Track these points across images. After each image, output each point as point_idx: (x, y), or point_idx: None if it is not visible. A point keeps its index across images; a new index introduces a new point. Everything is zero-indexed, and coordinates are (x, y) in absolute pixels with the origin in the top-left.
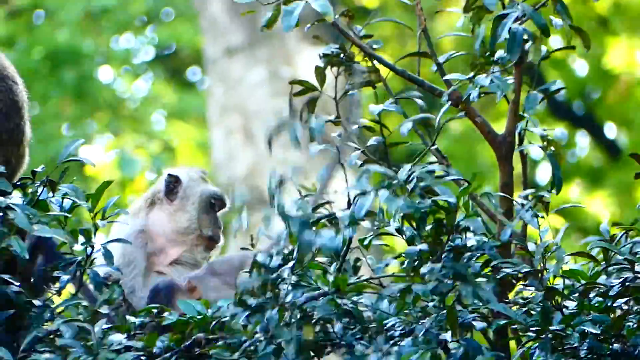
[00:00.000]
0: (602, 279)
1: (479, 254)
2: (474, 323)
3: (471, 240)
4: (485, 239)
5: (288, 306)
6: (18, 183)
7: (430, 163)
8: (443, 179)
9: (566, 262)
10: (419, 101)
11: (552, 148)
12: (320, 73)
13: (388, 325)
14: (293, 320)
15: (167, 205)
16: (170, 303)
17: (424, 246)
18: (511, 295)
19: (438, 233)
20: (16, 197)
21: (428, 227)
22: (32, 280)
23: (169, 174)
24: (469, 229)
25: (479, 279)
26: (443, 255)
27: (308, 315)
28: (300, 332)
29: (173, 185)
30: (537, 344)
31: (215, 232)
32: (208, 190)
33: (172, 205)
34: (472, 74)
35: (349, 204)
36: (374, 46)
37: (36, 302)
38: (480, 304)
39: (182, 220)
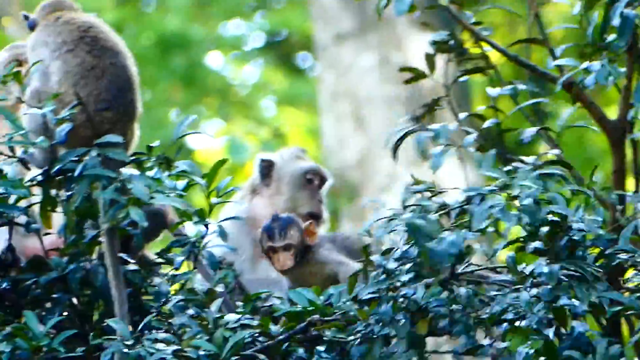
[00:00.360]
0: None
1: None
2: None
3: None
4: (601, 232)
5: (403, 300)
6: (132, 158)
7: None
8: (557, 188)
9: None
10: (528, 87)
11: None
12: (430, 60)
13: (498, 312)
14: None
15: (265, 190)
16: (284, 231)
17: (538, 244)
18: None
19: (553, 233)
20: (132, 170)
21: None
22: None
23: (261, 159)
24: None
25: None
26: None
27: (422, 308)
28: (414, 328)
29: (267, 169)
30: None
31: (314, 207)
32: (300, 167)
33: (269, 189)
34: (585, 63)
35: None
36: (484, 33)
37: (156, 279)
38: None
39: (279, 203)
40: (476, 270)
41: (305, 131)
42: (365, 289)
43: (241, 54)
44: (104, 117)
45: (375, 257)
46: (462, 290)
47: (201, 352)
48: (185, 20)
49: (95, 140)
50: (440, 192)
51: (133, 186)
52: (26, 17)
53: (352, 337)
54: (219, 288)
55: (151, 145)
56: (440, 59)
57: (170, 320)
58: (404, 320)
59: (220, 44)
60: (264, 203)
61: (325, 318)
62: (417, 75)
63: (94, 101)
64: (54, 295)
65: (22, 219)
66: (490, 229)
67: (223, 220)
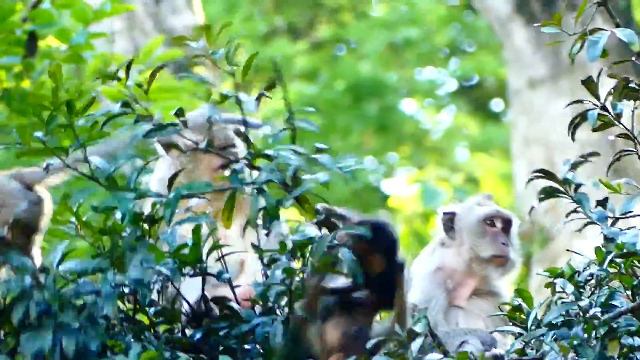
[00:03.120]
0: None
1: None
2: None
3: None
4: None
5: (595, 323)
6: None
7: None
8: None
9: None
10: None
11: None
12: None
13: None
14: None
15: (452, 241)
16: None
17: None
18: None
19: None
20: None
21: None
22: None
23: (443, 213)
24: None
25: None
26: None
27: (613, 330)
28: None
29: (449, 222)
30: None
31: (496, 250)
32: (478, 214)
33: (455, 240)
34: None
35: None
36: None
37: None
38: None
39: (464, 253)
40: None
41: (498, 176)
42: (554, 311)
43: (434, 100)
44: None
45: (559, 281)
46: None
47: None
48: (379, 66)
49: None
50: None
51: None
52: None
53: None
54: (418, 328)
55: None
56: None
57: None
58: (594, 343)
59: (413, 90)
60: (452, 254)
61: (523, 357)
62: (605, 123)
63: None
64: (247, 347)
65: (214, 269)
66: None
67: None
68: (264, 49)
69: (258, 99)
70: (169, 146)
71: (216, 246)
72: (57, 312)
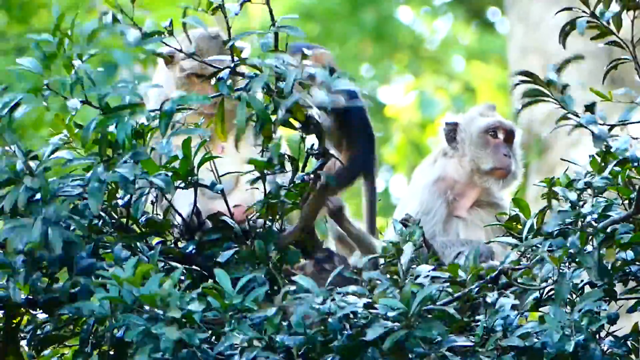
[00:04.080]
0: None
1: None
2: None
3: None
4: None
5: (590, 230)
6: None
7: None
8: None
9: None
10: None
11: None
12: (617, 18)
13: None
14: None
15: (454, 152)
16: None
17: None
18: None
19: None
20: None
21: None
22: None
23: (445, 123)
24: None
25: None
26: None
27: (610, 237)
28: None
29: (452, 132)
30: None
31: (497, 162)
32: (479, 124)
33: (457, 151)
34: None
35: None
36: None
37: None
38: None
39: (465, 164)
40: None
41: (495, 86)
42: (551, 221)
43: (431, 9)
44: None
45: (559, 189)
46: None
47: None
48: None
49: None
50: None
51: None
52: None
53: (544, 284)
54: (407, 246)
55: None
56: (627, 17)
57: (357, 277)
58: (591, 249)
59: None
60: (455, 165)
61: (516, 267)
62: (603, 32)
63: None
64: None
65: (206, 180)
66: None
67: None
68: None
69: (240, 5)
70: (168, 58)
71: (207, 158)
72: (44, 201)
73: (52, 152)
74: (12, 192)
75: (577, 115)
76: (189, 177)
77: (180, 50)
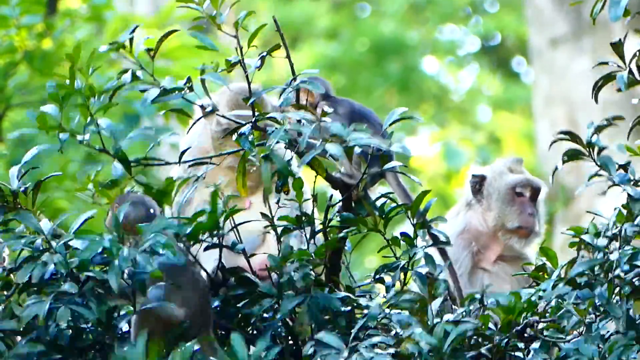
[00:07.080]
0: None
1: None
2: None
3: None
4: None
5: (617, 282)
6: None
7: None
8: None
9: None
10: None
11: None
12: None
13: None
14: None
15: (478, 205)
16: None
17: None
18: None
19: None
20: None
21: None
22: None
23: (472, 175)
24: None
25: None
26: None
27: (638, 290)
28: (630, 307)
29: (478, 185)
30: None
31: (523, 221)
32: (508, 181)
33: (482, 204)
34: None
35: None
36: None
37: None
38: None
39: (490, 219)
40: None
41: (520, 136)
42: (577, 267)
43: (456, 59)
44: None
45: (587, 237)
46: None
47: (422, 344)
48: (401, 25)
49: None
50: None
51: None
52: None
53: (570, 337)
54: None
55: None
56: None
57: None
58: (619, 302)
59: (435, 49)
60: (479, 217)
61: (542, 319)
62: (630, 84)
63: None
64: (265, 315)
65: (229, 240)
66: None
67: (430, 246)
68: (285, 8)
69: (261, 59)
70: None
71: (232, 211)
72: (62, 278)
73: (78, 229)
74: (28, 267)
75: (610, 174)
76: (214, 231)
77: (213, 110)
